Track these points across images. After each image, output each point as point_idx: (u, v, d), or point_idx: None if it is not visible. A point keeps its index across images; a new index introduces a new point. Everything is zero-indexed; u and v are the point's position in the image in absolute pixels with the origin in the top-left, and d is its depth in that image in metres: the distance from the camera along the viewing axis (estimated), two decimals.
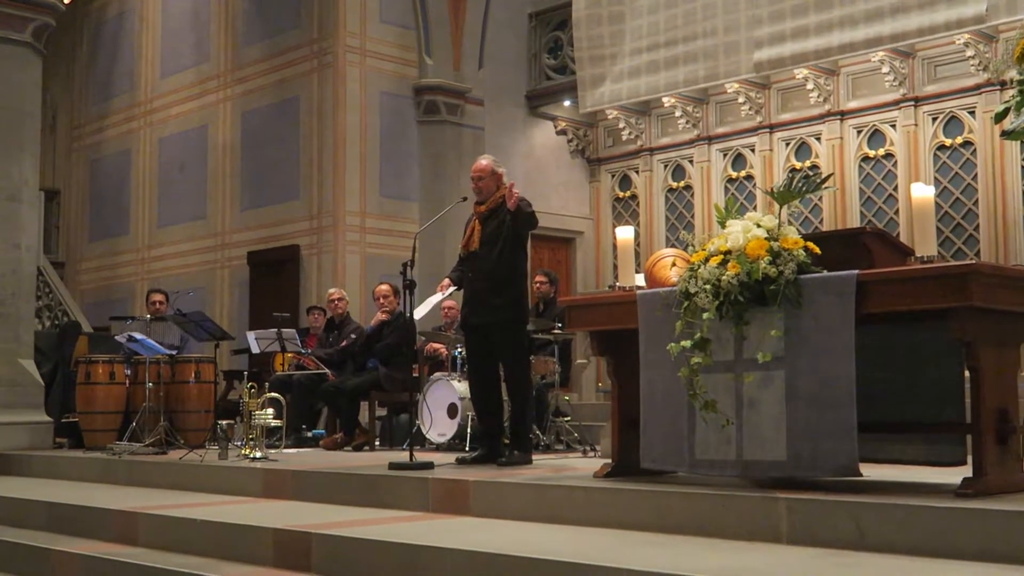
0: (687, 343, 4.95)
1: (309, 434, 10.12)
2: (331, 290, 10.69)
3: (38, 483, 8.45)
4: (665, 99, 13.08)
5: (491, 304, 6.91)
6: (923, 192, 5.02)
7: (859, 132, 12.03)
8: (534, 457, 7.98)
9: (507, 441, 7.19)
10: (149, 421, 9.22)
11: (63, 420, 10.34)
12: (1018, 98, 4.29)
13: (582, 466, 6.68)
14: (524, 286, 7.12)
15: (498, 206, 6.94)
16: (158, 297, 10.66)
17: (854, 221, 11.76)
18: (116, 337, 10.06)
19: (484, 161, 7.17)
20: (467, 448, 8.65)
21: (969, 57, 10.99)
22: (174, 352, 9.69)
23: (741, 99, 12.71)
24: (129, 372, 9.84)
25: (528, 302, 7.30)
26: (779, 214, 5.04)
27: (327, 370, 9.88)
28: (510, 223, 6.88)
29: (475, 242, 7.04)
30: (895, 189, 11.66)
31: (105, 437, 9.47)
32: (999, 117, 4.53)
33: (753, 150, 12.87)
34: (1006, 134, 4.47)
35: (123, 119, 16.07)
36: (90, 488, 7.89)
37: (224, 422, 8.64)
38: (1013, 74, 4.43)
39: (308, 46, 13.08)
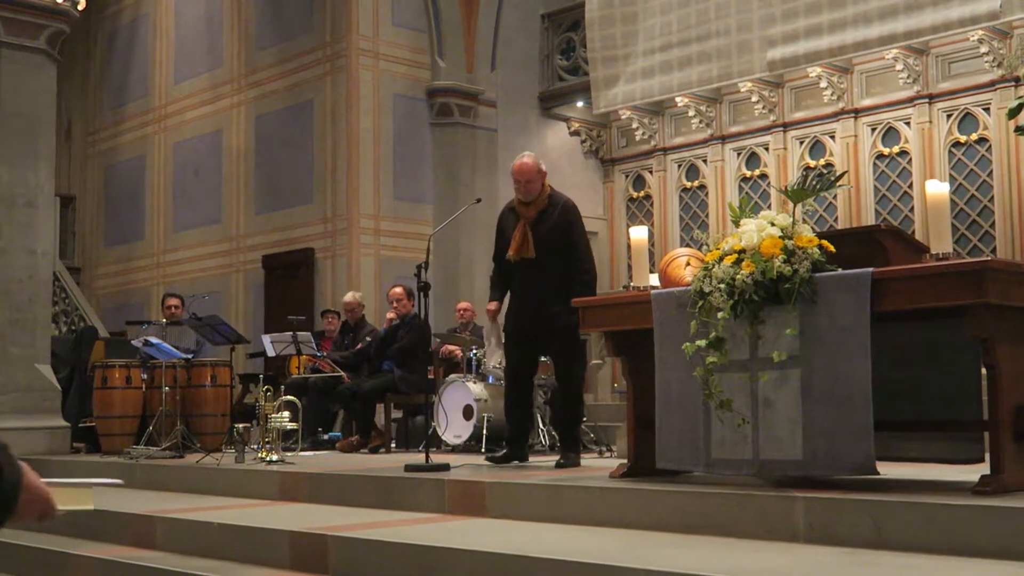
0: (702, 342, 4.95)
1: (325, 437, 10.14)
2: (346, 297, 10.69)
3: None
4: (678, 99, 13.06)
5: (550, 312, 6.60)
6: (938, 189, 5.00)
7: (873, 130, 11.98)
8: (550, 459, 7.99)
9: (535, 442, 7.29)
10: (166, 425, 9.25)
11: (80, 425, 10.38)
12: None
13: (598, 466, 6.68)
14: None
15: (546, 207, 6.70)
16: (174, 301, 10.69)
17: (869, 219, 11.72)
18: (132, 342, 10.10)
19: (529, 160, 6.79)
20: (483, 449, 8.65)
21: (983, 53, 10.94)
22: (190, 356, 9.72)
23: (755, 98, 12.69)
24: (145, 376, 9.88)
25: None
26: (793, 212, 5.03)
27: (342, 373, 9.89)
28: (560, 224, 6.66)
29: (529, 249, 6.66)
30: (910, 186, 11.61)
31: (122, 441, 9.51)
32: (1012, 113, 4.51)
33: (767, 149, 12.84)
34: (1020, 130, 4.46)
35: (138, 125, 16.13)
36: (107, 492, 7.92)
37: (240, 425, 8.66)
38: None
39: (321, 50, 13.10)
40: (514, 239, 6.70)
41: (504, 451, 6.98)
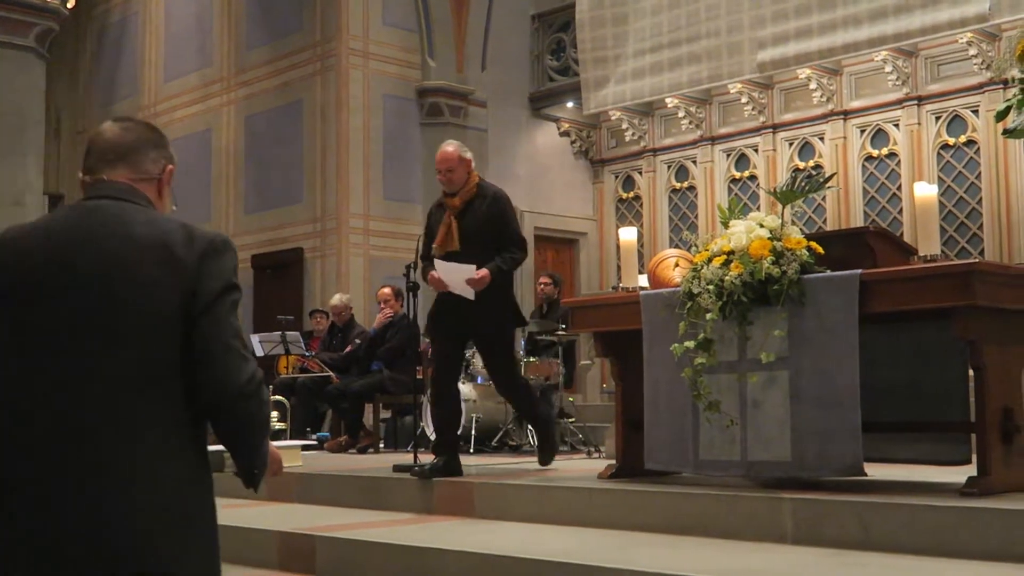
0: (691, 344, 4.95)
1: (314, 437, 10.12)
2: (333, 300, 10.65)
3: None
4: (668, 100, 13.08)
5: (478, 310, 6.07)
6: (926, 191, 5.01)
7: (862, 131, 12.01)
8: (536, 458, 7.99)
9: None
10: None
11: None
12: (1020, 96, 4.29)
13: (586, 467, 6.68)
14: (511, 291, 6.43)
15: (473, 197, 6.19)
16: None
17: (857, 221, 11.74)
18: None
19: (450, 148, 6.31)
20: (471, 451, 8.65)
21: (972, 56, 10.98)
22: None
23: (744, 99, 12.71)
24: None
25: (517, 306, 6.50)
26: (782, 214, 5.04)
27: (331, 373, 9.89)
28: (490, 216, 6.16)
29: (454, 242, 6.17)
30: (898, 188, 11.64)
31: None
32: (1000, 116, 4.53)
33: (756, 150, 12.86)
34: (1008, 132, 4.47)
35: None
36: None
37: None
38: (1015, 72, 4.42)
39: (311, 49, 13.09)
40: (439, 232, 6.25)
41: (435, 461, 6.08)
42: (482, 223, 6.15)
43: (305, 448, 9.60)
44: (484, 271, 6.00)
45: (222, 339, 2.15)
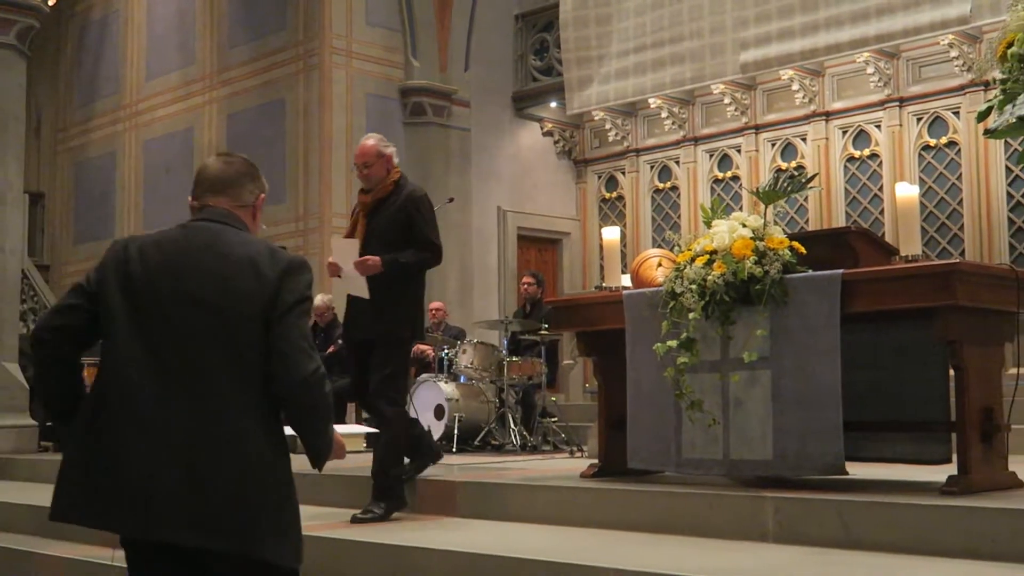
0: (673, 343, 4.97)
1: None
2: (316, 301, 10.61)
3: (23, 487, 8.42)
4: (651, 100, 13.08)
5: (370, 309, 5.58)
6: (908, 192, 5.04)
7: (844, 132, 12.05)
8: (522, 459, 7.99)
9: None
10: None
11: (48, 424, 10.30)
12: (1001, 97, 4.31)
13: (569, 467, 6.69)
14: (417, 296, 5.80)
15: (388, 195, 5.70)
16: None
17: (839, 221, 11.78)
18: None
19: (370, 141, 5.82)
20: (454, 450, 8.65)
21: (953, 58, 11.03)
22: None
23: (727, 100, 12.73)
24: None
25: (419, 317, 5.83)
26: (765, 214, 5.05)
27: None
28: (399, 217, 5.64)
29: (358, 240, 5.71)
30: (880, 189, 11.68)
31: None
32: (981, 116, 4.55)
33: (739, 151, 12.88)
34: (989, 133, 4.49)
35: (108, 122, 16.01)
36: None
37: None
38: (996, 74, 4.44)
39: (294, 48, 13.05)
40: (346, 230, 5.93)
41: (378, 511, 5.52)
42: (390, 224, 5.64)
43: None
44: (374, 257, 5.52)
45: (292, 340, 2.70)
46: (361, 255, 5.56)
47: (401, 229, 5.63)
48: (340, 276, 5.65)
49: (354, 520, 5.41)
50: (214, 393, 2.65)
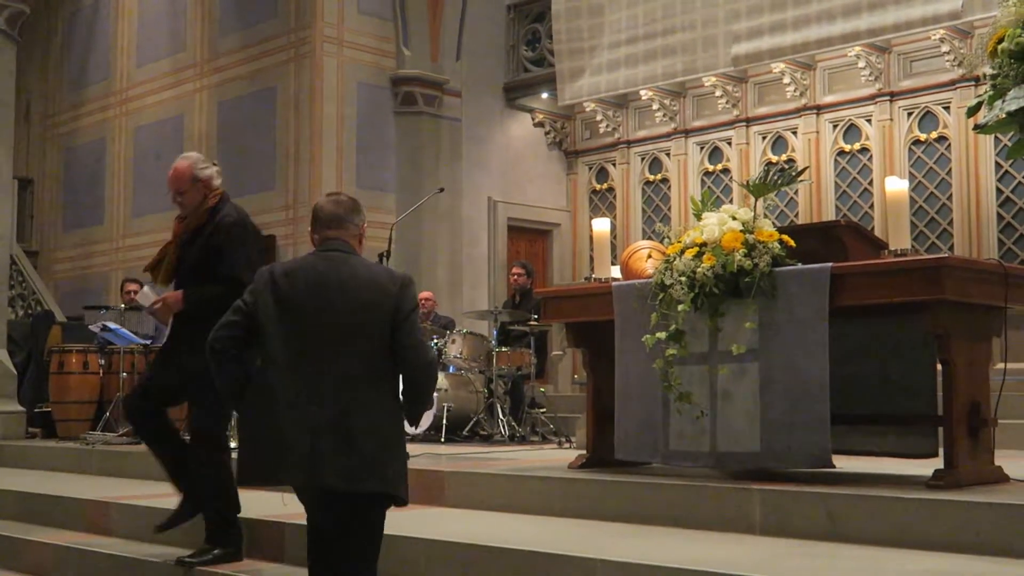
0: (662, 335, 4.97)
1: None
2: None
3: (10, 473, 8.40)
4: (642, 92, 13.08)
5: (176, 357, 5.04)
6: (897, 186, 5.05)
7: (835, 126, 12.06)
8: (510, 449, 8.00)
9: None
10: (123, 411, 9.16)
11: (36, 410, 10.27)
12: (991, 92, 4.32)
13: (557, 457, 6.69)
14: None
15: (203, 224, 5.06)
16: (133, 287, 10.58)
17: (829, 215, 11.79)
18: (90, 327, 10.00)
19: (184, 163, 5.17)
20: (443, 440, 8.65)
21: (944, 53, 11.04)
22: (148, 342, 9.63)
23: (718, 93, 12.74)
24: (103, 362, 9.78)
25: None
26: (755, 207, 5.06)
27: None
28: (210, 248, 5.00)
29: (164, 275, 5.13)
30: (870, 183, 11.70)
31: (78, 427, 9.42)
32: (971, 111, 4.56)
33: (730, 143, 12.89)
34: (979, 128, 4.50)
35: (98, 108, 15.95)
36: (63, 478, 7.84)
37: None
38: (986, 69, 4.45)
39: (285, 36, 13.01)
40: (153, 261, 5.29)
41: (175, 511, 5.21)
42: (202, 256, 5.01)
43: None
44: (174, 293, 5.02)
45: (414, 337, 3.69)
46: (176, 287, 5.06)
47: (208, 263, 4.98)
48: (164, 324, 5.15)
49: (178, 562, 4.99)
50: (352, 382, 3.59)
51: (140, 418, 5.19)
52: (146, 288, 5.38)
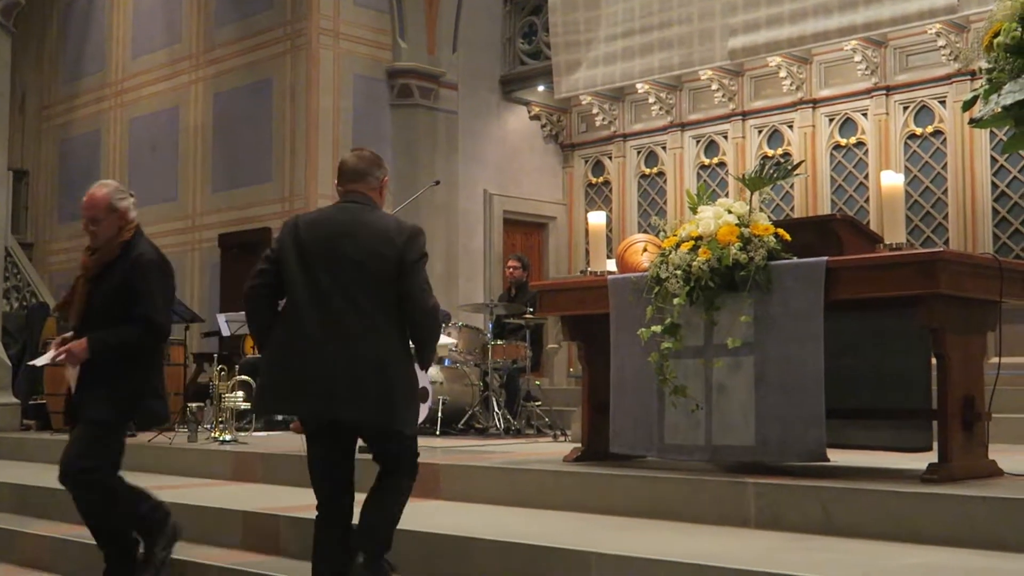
0: (657, 328, 4.97)
1: (279, 417, 10.09)
2: None
3: (5, 465, 8.40)
4: (639, 85, 13.07)
5: (78, 402, 4.75)
6: (893, 180, 5.05)
7: (831, 120, 12.07)
8: (505, 442, 8.01)
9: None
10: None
11: (30, 402, 10.27)
12: (986, 87, 4.32)
13: (552, 451, 6.70)
14: (138, 378, 4.74)
15: (116, 259, 4.68)
16: None
17: (825, 208, 11.80)
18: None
19: (101, 191, 4.75)
20: (438, 432, 8.65)
21: (941, 47, 11.04)
22: None
23: (714, 86, 12.73)
24: None
25: (144, 400, 4.80)
26: (750, 201, 5.06)
27: None
28: (123, 286, 4.64)
29: (74, 314, 4.77)
30: (866, 177, 11.71)
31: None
32: (967, 105, 4.56)
33: (726, 137, 12.89)
34: (974, 122, 4.50)
35: (93, 99, 15.92)
36: (58, 470, 7.83)
37: (194, 405, 8.61)
38: (982, 63, 4.45)
39: (281, 28, 12.99)
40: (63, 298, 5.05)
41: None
42: (114, 295, 4.65)
43: (270, 428, 9.58)
44: (78, 342, 4.66)
45: (417, 284, 3.97)
46: (81, 330, 4.70)
47: (118, 300, 4.64)
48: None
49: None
50: (365, 323, 3.90)
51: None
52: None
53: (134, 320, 4.62)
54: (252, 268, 4.12)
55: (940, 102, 11.25)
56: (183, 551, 5.16)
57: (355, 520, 4.13)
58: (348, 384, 3.86)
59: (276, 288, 4.06)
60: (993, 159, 10.83)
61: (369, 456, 4.18)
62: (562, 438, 8.18)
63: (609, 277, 5.47)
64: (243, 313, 10.63)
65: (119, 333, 4.62)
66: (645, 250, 5.53)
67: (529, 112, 14.44)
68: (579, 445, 5.80)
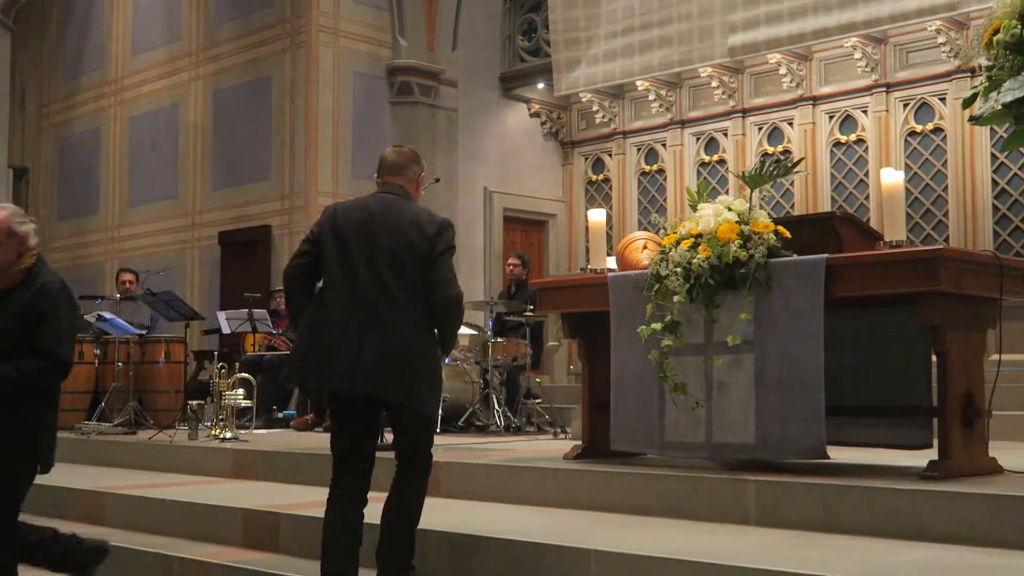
0: (658, 326, 4.97)
1: (279, 415, 10.10)
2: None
3: None
4: (639, 83, 13.07)
5: None
6: (893, 177, 5.04)
7: (831, 117, 12.06)
8: (505, 440, 8.01)
9: None
10: (118, 401, 9.18)
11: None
12: (986, 84, 4.31)
13: (552, 448, 6.70)
14: (40, 421, 4.50)
15: (17, 285, 4.45)
16: (128, 276, 10.59)
17: (825, 206, 11.79)
18: (85, 316, 9.98)
19: (1, 214, 4.53)
20: (438, 429, 8.64)
21: (940, 44, 11.04)
22: (144, 332, 9.64)
23: (714, 83, 12.72)
24: (98, 352, 9.78)
25: (43, 444, 4.58)
26: (750, 198, 5.06)
27: None
28: (27, 314, 4.39)
29: None
30: (866, 175, 11.70)
31: (74, 417, 9.41)
32: (967, 103, 4.55)
33: (726, 134, 12.88)
34: (974, 119, 4.50)
35: (93, 97, 15.92)
36: (57, 467, 7.81)
37: (194, 402, 8.62)
38: (982, 60, 4.45)
39: (281, 25, 12.98)
40: None
41: None
42: (15, 323, 4.40)
43: (270, 426, 9.59)
44: None
45: (443, 274, 4.21)
46: None
47: (24, 329, 4.39)
48: None
49: None
50: (393, 306, 4.14)
51: None
52: None
53: (40, 352, 4.36)
54: (294, 250, 4.42)
55: (940, 99, 11.24)
56: (184, 549, 5.17)
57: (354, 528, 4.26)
58: (374, 363, 4.08)
59: (314, 269, 4.30)
60: (993, 156, 10.83)
61: (390, 455, 4.34)
62: (562, 436, 8.18)
63: (609, 275, 5.47)
64: (243, 311, 10.66)
65: (27, 365, 4.33)
66: (645, 247, 5.52)
67: (529, 109, 14.43)
68: (579, 443, 5.80)
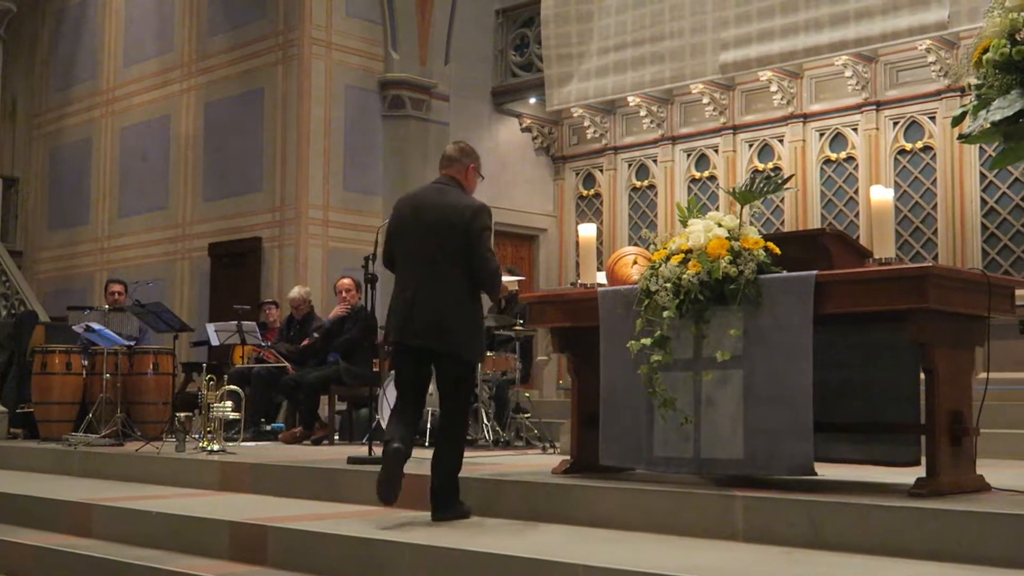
0: (647, 341, 4.98)
1: (268, 427, 10.06)
2: (292, 293, 10.50)
3: None
4: (630, 99, 13.11)
5: None
6: (882, 195, 5.06)
7: (821, 135, 12.11)
8: (494, 454, 8.00)
9: None
10: (106, 412, 9.14)
11: (18, 410, 10.23)
12: (975, 103, 4.34)
13: (541, 463, 6.69)
14: None
15: None
16: (117, 287, 10.56)
17: (815, 223, 11.84)
18: (74, 327, 9.97)
19: None
20: (427, 443, 8.63)
21: (931, 63, 11.10)
22: (132, 343, 9.61)
23: (706, 100, 12.77)
24: (86, 363, 9.75)
25: None
26: (740, 214, 5.07)
27: (287, 363, 9.83)
28: None
29: None
30: (856, 192, 11.75)
31: (61, 428, 9.38)
32: (956, 121, 4.58)
33: (716, 151, 12.93)
34: (963, 137, 4.52)
35: (85, 107, 15.91)
36: (44, 479, 7.81)
37: (182, 414, 8.59)
38: (971, 79, 4.47)
39: (273, 38, 13.00)
40: None
41: None
42: None
43: (259, 438, 9.56)
44: None
45: (482, 250, 5.14)
46: None
47: None
48: None
49: None
50: (444, 279, 5.09)
51: None
52: None
53: None
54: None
55: (930, 118, 11.30)
56: (171, 561, 5.14)
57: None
58: (427, 322, 5.06)
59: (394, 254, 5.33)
60: (982, 175, 10.89)
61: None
62: (551, 450, 8.17)
63: (599, 289, 5.47)
64: (232, 323, 10.62)
65: None
66: (635, 263, 5.53)
67: (520, 124, 14.46)
68: (568, 457, 5.79)
